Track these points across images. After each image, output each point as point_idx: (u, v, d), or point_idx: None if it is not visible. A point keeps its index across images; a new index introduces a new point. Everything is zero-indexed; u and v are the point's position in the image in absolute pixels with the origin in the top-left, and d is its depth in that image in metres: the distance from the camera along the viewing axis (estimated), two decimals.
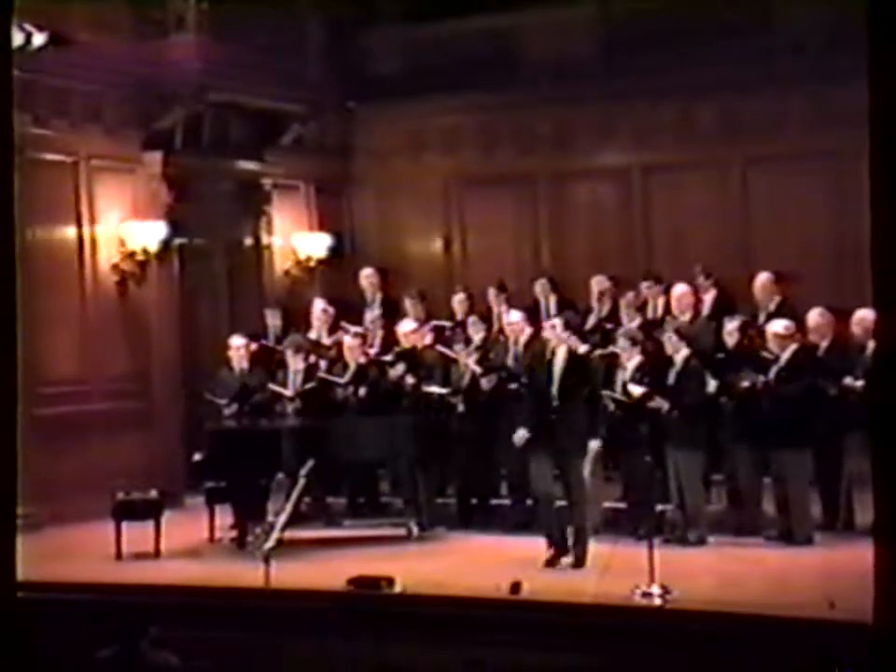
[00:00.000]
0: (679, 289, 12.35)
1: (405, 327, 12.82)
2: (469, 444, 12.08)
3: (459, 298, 13.48)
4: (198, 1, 14.11)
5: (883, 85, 6.41)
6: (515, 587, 9.19)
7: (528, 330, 12.32)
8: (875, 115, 6.47)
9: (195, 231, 14.95)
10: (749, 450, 11.06)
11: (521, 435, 10.41)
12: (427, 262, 16.39)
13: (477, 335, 12.55)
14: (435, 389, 12.17)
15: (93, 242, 13.82)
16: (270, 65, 14.66)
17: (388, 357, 12.66)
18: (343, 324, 13.39)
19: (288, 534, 11.03)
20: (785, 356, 10.95)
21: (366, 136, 16.68)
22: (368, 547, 11.42)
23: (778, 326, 11.06)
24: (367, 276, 14.28)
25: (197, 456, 11.89)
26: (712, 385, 11.16)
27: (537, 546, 10.34)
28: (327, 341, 13.40)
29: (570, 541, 10.25)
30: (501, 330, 12.71)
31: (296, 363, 12.52)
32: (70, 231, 13.64)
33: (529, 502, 11.15)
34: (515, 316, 12.44)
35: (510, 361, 12.20)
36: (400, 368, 12.37)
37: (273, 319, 13.88)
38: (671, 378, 11.02)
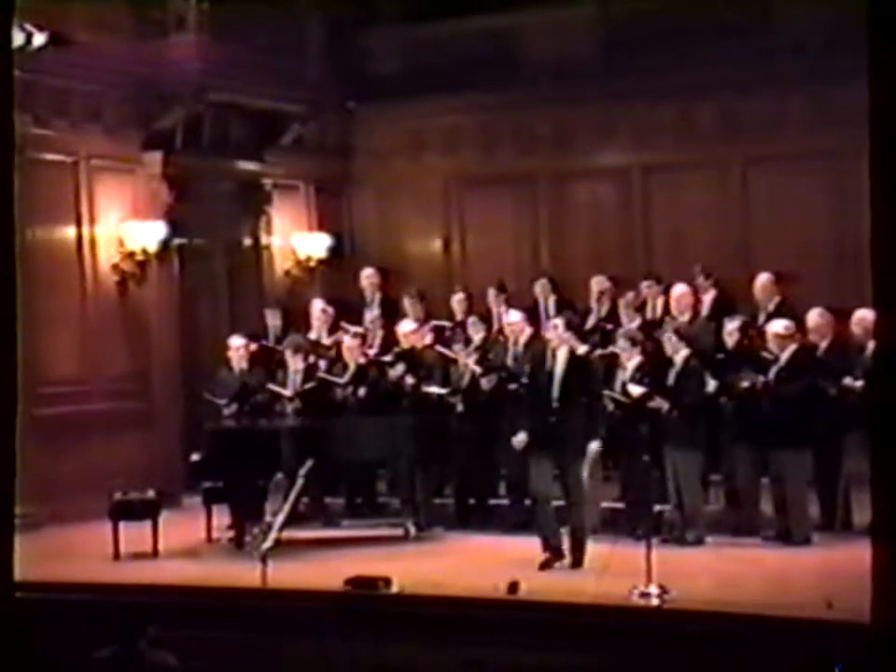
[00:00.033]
0: (679, 289, 12.34)
1: (405, 327, 12.82)
2: (468, 444, 12.08)
3: (459, 298, 13.48)
4: (198, 1, 14.11)
5: (883, 85, 6.40)
6: (513, 587, 9.20)
7: (528, 331, 12.32)
8: (874, 115, 6.46)
9: (195, 231, 14.96)
10: (747, 450, 11.06)
11: (521, 439, 10.40)
12: (426, 262, 16.39)
13: (477, 335, 12.55)
14: (434, 389, 12.17)
15: (93, 242, 13.83)
16: (270, 65, 14.66)
17: (388, 358, 12.65)
18: (343, 324, 13.38)
19: (286, 534, 11.02)
20: (785, 356, 10.95)
21: (366, 136, 16.68)
22: (366, 547, 11.41)
23: (778, 326, 11.06)
24: (366, 276, 14.27)
25: (195, 456, 11.90)
26: (712, 385, 11.15)
27: (535, 546, 10.32)
28: (326, 341, 13.39)
29: (568, 543, 10.25)
30: (501, 331, 12.71)
31: (295, 363, 12.52)
32: (70, 231, 13.64)
33: (528, 502, 11.14)
34: (515, 316, 12.43)
35: (509, 361, 12.20)
36: (400, 368, 12.37)
37: (273, 319, 13.88)
38: (671, 378, 11.01)
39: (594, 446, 10.45)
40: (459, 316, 13.28)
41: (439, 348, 12.59)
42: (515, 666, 8.40)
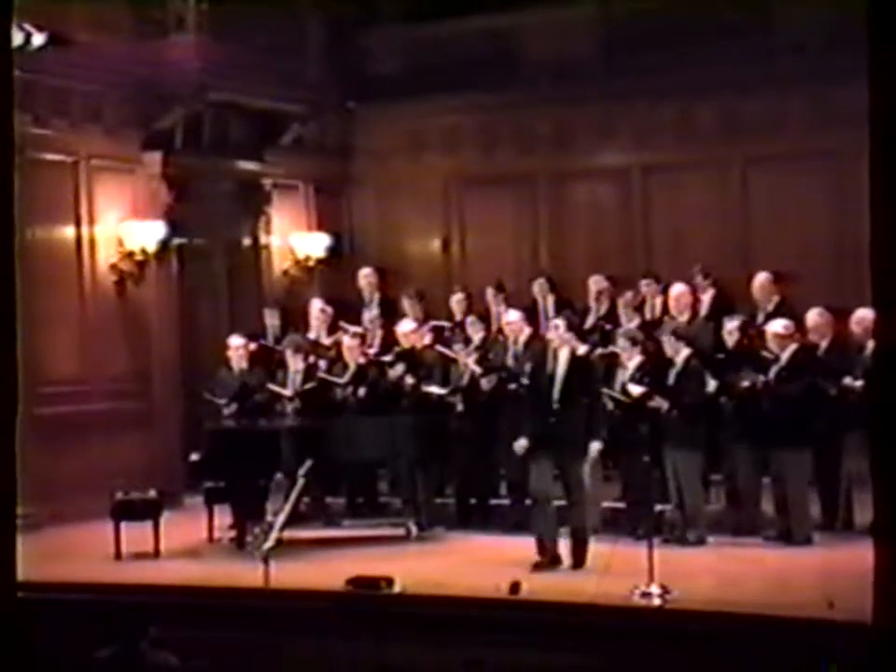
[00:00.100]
0: (678, 289, 12.34)
1: (404, 327, 12.81)
2: (468, 444, 12.08)
3: (458, 298, 13.48)
4: (198, 1, 14.11)
5: (883, 85, 6.40)
6: (514, 587, 9.20)
7: (527, 330, 12.32)
8: (875, 115, 6.45)
9: (194, 231, 14.95)
10: (748, 450, 11.06)
11: (521, 444, 10.38)
12: (425, 262, 16.39)
13: (476, 335, 12.55)
14: (434, 389, 12.17)
15: (92, 242, 13.82)
16: (270, 65, 14.66)
17: (387, 358, 12.65)
18: (342, 324, 13.38)
19: (287, 534, 11.02)
20: (785, 355, 10.95)
21: (366, 136, 16.68)
22: (367, 547, 11.41)
23: (778, 326, 11.06)
24: (365, 276, 14.27)
25: (195, 456, 11.89)
26: (712, 384, 11.15)
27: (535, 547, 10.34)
28: (326, 341, 13.39)
29: (569, 543, 10.24)
30: (500, 330, 12.70)
31: (295, 363, 12.52)
32: (69, 231, 13.64)
33: (528, 502, 11.13)
34: (514, 316, 12.43)
35: (509, 361, 12.19)
36: (400, 368, 12.37)
37: (272, 319, 13.87)
38: (671, 378, 11.01)
39: (594, 446, 10.45)
40: (458, 316, 13.28)
41: (438, 348, 12.59)
42: (516, 666, 8.40)
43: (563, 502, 10.33)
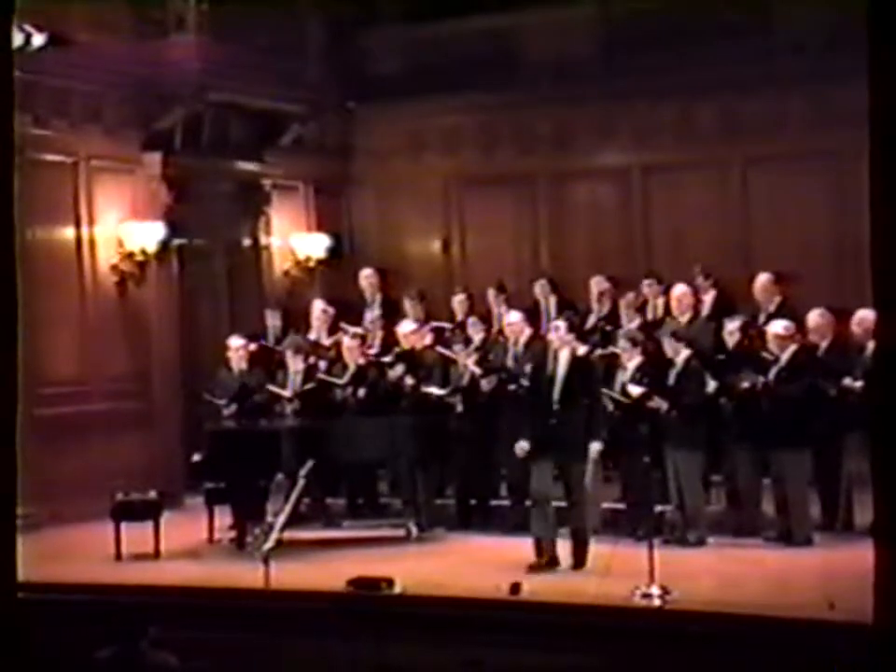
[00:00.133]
0: (679, 290, 12.33)
1: (405, 327, 12.81)
2: (468, 445, 12.07)
3: (459, 298, 13.48)
4: (198, 1, 14.11)
5: (883, 85, 6.40)
6: (515, 588, 9.20)
7: (528, 331, 12.32)
8: (875, 115, 6.45)
9: (195, 232, 14.95)
10: (748, 450, 11.06)
11: (522, 447, 10.37)
12: (426, 263, 16.39)
13: (476, 336, 12.54)
14: (434, 390, 12.17)
15: (92, 242, 13.83)
16: (270, 65, 14.66)
17: (388, 358, 12.65)
18: (343, 325, 13.38)
19: (288, 535, 11.02)
20: (785, 356, 10.95)
21: (366, 136, 16.68)
22: (367, 548, 11.41)
23: (778, 326, 11.05)
24: (366, 277, 14.27)
25: (196, 457, 11.90)
26: (712, 385, 11.15)
27: None
28: (326, 341, 13.39)
29: (570, 544, 10.24)
30: (501, 331, 12.69)
31: (295, 364, 12.52)
32: (69, 232, 13.64)
33: (528, 503, 11.13)
34: (515, 317, 12.43)
35: (509, 362, 12.19)
36: (400, 368, 12.37)
37: (273, 320, 13.87)
38: (671, 378, 11.01)
39: (594, 447, 10.44)
40: (459, 317, 13.28)
41: (439, 349, 12.59)
42: (516, 667, 8.41)
43: (563, 503, 10.33)
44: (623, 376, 11.16)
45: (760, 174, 15.02)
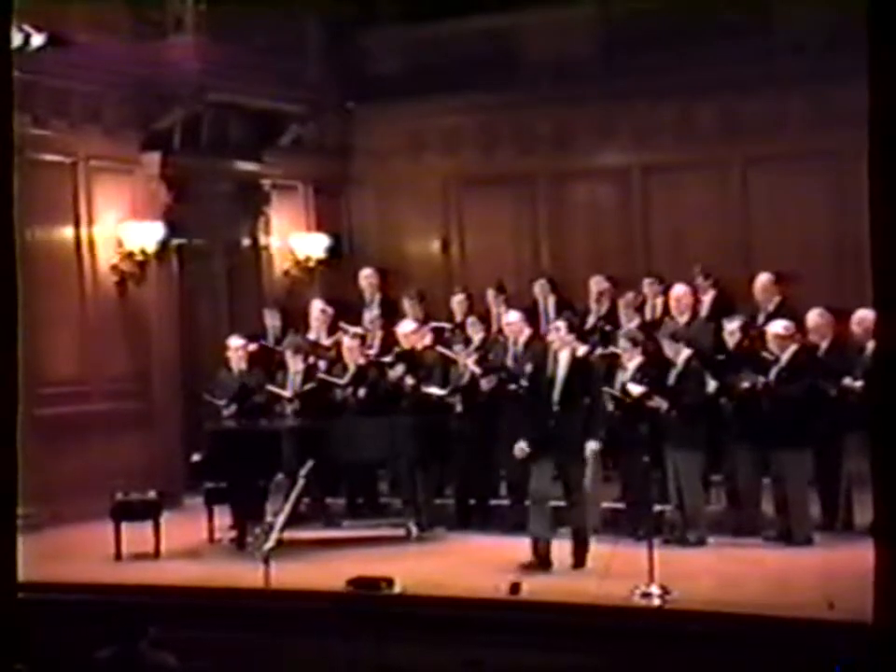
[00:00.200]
0: (679, 290, 12.33)
1: (404, 327, 12.81)
2: (468, 445, 12.06)
3: (458, 298, 13.48)
4: (196, 2, 14.10)
5: (883, 85, 6.41)
6: (515, 588, 9.19)
7: (527, 331, 12.32)
8: (874, 115, 6.46)
9: (194, 232, 14.94)
10: (748, 450, 11.05)
11: (522, 448, 10.37)
12: (426, 263, 16.39)
13: (476, 336, 12.54)
14: (434, 390, 12.16)
15: (92, 242, 13.82)
16: (269, 65, 14.66)
17: (388, 358, 12.65)
18: (342, 324, 13.38)
19: (288, 534, 11.02)
20: (785, 356, 10.94)
21: (365, 136, 16.67)
22: (367, 547, 11.41)
23: (778, 326, 11.05)
24: (366, 277, 14.27)
25: (195, 457, 11.90)
26: (712, 385, 11.15)
27: None
28: (326, 341, 13.39)
29: (570, 543, 10.24)
30: (500, 331, 12.70)
31: (295, 364, 12.51)
32: (69, 232, 13.63)
33: (528, 503, 11.14)
34: (514, 317, 12.43)
35: (509, 362, 12.19)
36: (400, 368, 12.36)
37: (273, 320, 13.87)
38: (671, 378, 11.01)
39: (591, 445, 10.43)
40: (459, 317, 13.27)
41: (438, 349, 12.59)
42: (516, 667, 8.41)
43: (563, 503, 10.33)
44: (623, 376, 11.15)
45: (760, 174, 15.02)
